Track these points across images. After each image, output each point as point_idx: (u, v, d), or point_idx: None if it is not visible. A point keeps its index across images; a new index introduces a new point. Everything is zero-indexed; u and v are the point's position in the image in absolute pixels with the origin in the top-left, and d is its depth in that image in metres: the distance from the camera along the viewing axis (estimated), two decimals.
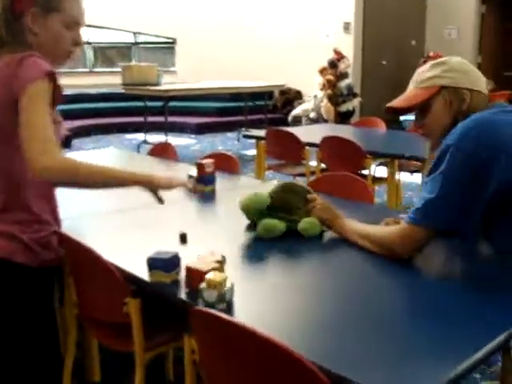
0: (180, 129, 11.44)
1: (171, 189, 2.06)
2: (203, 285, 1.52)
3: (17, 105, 1.82)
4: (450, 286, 1.77)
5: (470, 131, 1.85)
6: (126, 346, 1.97)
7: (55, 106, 1.99)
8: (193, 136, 11.36)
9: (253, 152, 8.91)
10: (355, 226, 2.14)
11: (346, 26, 11.94)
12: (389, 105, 2.11)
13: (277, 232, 2.21)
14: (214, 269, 1.64)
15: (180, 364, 2.74)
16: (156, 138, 9.48)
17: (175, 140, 9.14)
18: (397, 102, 2.08)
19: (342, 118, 10.89)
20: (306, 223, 2.22)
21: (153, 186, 2.02)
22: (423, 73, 2.04)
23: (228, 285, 1.53)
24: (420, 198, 1.92)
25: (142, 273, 1.82)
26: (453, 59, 2.03)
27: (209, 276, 1.53)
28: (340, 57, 11.23)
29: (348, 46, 11.80)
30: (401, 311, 1.63)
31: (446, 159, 1.83)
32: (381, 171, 5.31)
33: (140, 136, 9.39)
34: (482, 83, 2.01)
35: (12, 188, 1.94)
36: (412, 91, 2.05)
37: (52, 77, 1.89)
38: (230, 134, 11.52)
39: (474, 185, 1.81)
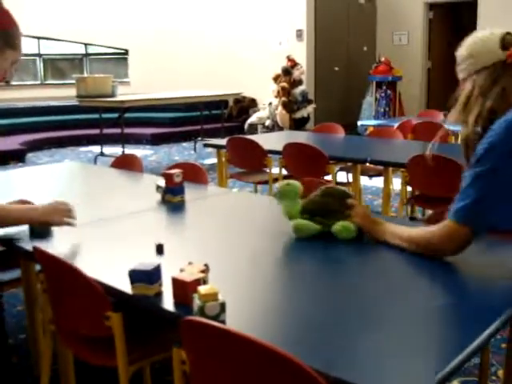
0: (135, 140, 11.36)
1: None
2: (200, 300, 1.50)
3: None
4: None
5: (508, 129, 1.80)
6: (107, 361, 1.94)
7: None
8: (148, 147, 11.29)
9: (210, 161, 8.93)
10: (395, 229, 2.13)
11: (299, 34, 12.04)
12: None
13: (309, 232, 2.24)
14: (200, 279, 1.63)
15: (158, 376, 2.74)
16: (112, 149, 9.40)
17: (132, 151, 9.06)
18: None
19: (297, 124, 10.96)
20: (339, 226, 2.22)
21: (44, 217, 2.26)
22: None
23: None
24: (462, 194, 1.86)
25: (123, 285, 1.80)
26: (463, 46, 2.02)
27: (204, 289, 1.51)
28: (294, 64, 11.32)
29: (301, 53, 11.90)
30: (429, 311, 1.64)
31: (488, 157, 1.80)
32: (341, 176, 5.36)
33: (95, 148, 9.30)
34: (488, 54, 1.95)
35: None
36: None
37: None
38: (185, 144, 11.50)
39: None
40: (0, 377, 2.11)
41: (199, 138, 10.69)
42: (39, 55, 13.72)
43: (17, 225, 2.30)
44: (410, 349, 1.39)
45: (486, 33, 2.00)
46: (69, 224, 2.31)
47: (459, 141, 2.09)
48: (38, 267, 2.61)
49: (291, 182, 2.35)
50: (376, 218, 2.23)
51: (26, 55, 13.84)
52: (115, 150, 9.22)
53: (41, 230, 2.34)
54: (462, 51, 2.03)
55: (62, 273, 1.95)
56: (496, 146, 1.79)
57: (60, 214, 2.30)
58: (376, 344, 1.40)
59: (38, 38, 13.59)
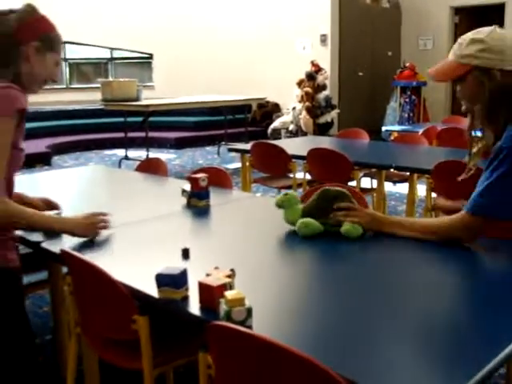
0: (159, 144, 11.42)
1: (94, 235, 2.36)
2: (226, 305, 1.51)
3: None
4: None
5: None
6: (132, 364, 1.95)
7: (21, 137, 2.14)
8: (172, 151, 11.34)
9: (233, 166, 8.94)
10: (406, 221, 2.32)
11: (323, 39, 12.03)
12: (430, 73, 2.21)
13: (313, 229, 2.33)
14: (226, 283, 1.64)
15: (181, 380, 2.75)
16: (137, 153, 9.45)
17: (155, 155, 9.11)
18: (437, 74, 2.19)
19: (321, 129, 10.95)
20: (349, 226, 2.29)
21: (77, 236, 2.33)
22: (462, 47, 2.10)
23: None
24: (482, 193, 2.05)
25: (149, 289, 1.81)
26: (493, 35, 2.06)
27: (231, 294, 1.52)
28: (318, 69, 11.31)
29: (325, 58, 11.89)
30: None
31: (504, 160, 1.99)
32: (365, 182, 5.35)
33: (120, 152, 9.36)
34: None
35: None
36: (451, 64, 2.15)
37: (22, 113, 2.07)
38: (209, 148, 11.54)
39: None
40: (27, 376, 2.13)
41: (223, 143, 10.71)
42: (65, 59, 13.86)
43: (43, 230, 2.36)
44: (437, 357, 1.38)
45: (510, 35, 2.07)
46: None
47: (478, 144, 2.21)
48: (64, 269, 2.64)
49: (288, 192, 2.48)
50: (379, 215, 2.36)
51: None
52: (139, 154, 9.27)
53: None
54: (485, 37, 2.05)
55: (89, 276, 1.96)
56: (504, 151, 1.98)
57: (93, 229, 2.37)
58: (400, 353, 1.40)
59: (64, 42, 13.70)
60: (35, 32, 2.21)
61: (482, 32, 2.08)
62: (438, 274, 1.96)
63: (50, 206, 2.65)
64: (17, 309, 2.15)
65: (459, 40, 2.14)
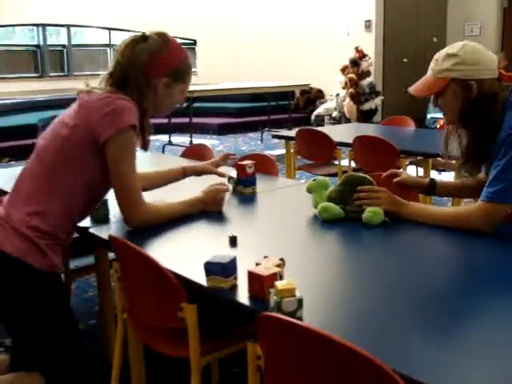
0: (202, 130, 11.44)
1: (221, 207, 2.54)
2: (277, 295, 1.49)
3: (94, 139, 2.11)
4: None
5: None
6: (179, 352, 1.95)
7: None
8: (215, 137, 11.36)
9: (276, 152, 8.91)
10: (424, 208, 2.36)
11: (367, 25, 11.90)
12: (411, 91, 2.37)
13: (333, 213, 2.37)
14: (276, 273, 1.62)
15: (226, 367, 2.75)
16: (180, 139, 9.49)
17: (198, 141, 9.13)
18: (416, 91, 2.34)
19: (365, 116, 10.84)
20: (370, 213, 2.30)
21: (206, 208, 2.49)
22: (439, 62, 2.26)
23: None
24: (495, 180, 2.13)
25: (197, 277, 1.80)
26: (466, 48, 2.21)
27: (282, 285, 1.50)
28: (362, 55, 11.19)
29: (369, 45, 11.76)
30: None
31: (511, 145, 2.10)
32: (410, 170, 5.27)
33: (163, 137, 9.39)
34: (492, 69, 2.22)
35: (60, 198, 2.14)
36: (429, 80, 2.30)
37: (135, 128, 2.16)
38: (252, 135, 11.52)
39: None
40: (77, 372, 2.15)
41: (266, 129, 10.68)
42: (110, 45, 13.95)
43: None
44: (496, 359, 1.34)
45: (481, 46, 2.26)
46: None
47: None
48: (111, 255, 2.65)
49: (318, 178, 2.54)
50: (401, 200, 2.37)
51: (97, 45, 14.10)
52: (183, 140, 9.30)
53: (101, 216, 2.42)
54: (458, 51, 2.21)
55: (137, 262, 1.96)
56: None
57: (218, 203, 2.53)
58: (458, 350, 1.37)
59: (109, 29, 13.82)
60: (167, 68, 2.26)
61: (455, 47, 2.24)
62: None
63: (225, 159, 3.00)
64: (62, 308, 2.17)
65: (435, 56, 2.31)
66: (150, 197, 2.36)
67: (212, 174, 2.86)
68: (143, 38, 2.25)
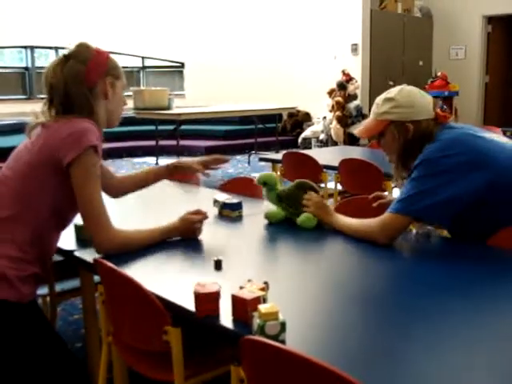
0: (189, 152, 11.45)
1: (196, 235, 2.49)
2: (260, 318, 1.49)
3: (57, 164, 2.09)
4: None
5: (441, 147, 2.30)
6: (163, 375, 1.95)
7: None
8: None
9: None
10: (343, 220, 2.50)
11: (354, 48, 11.99)
12: (356, 134, 2.60)
13: (277, 218, 2.72)
14: (260, 297, 1.63)
15: None
16: (167, 161, 9.47)
17: None
18: (360, 132, 2.56)
19: (351, 139, 10.89)
20: (304, 217, 2.59)
21: (181, 236, 2.46)
22: (379, 106, 2.47)
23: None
24: (400, 194, 2.35)
25: (182, 301, 1.81)
26: (402, 93, 2.43)
27: (265, 308, 1.50)
28: (349, 78, 11.28)
29: (356, 68, 11.85)
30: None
31: (422, 168, 2.28)
32: (395, 193, 5.28)
33: (151, 160, 9.41)
34: (427, 111, 2.41)
35: (28, 224, 2.11)
36: (371, 122, 2.52)
37: (96, 149, 2.16)
38: (239, 157, 11.53)
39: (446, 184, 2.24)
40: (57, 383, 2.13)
41: (253, 152, 10.71)
42: None
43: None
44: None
45: (417, 90, 2.48)
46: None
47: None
48: (96, 278, 2.65)
49: (268, 173, 2.85)
50: (329, 210, 2.59)
51: None
52: (170, 162, 9.30)
53: (87, 237, 2.37)
54: (395, 96, 2.42)
55: (122, 285, 1.96)
56: (424, 162, 2.28)
57: (193, 232, 2.48)
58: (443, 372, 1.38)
59: None
60: (102, 67, 2.24)
61: (393, 91, 2.45)
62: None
63: (217, 162, 3.11)
64: (42, 335, 2.11)
65: (376, 100, 2.50)
66: (132, 220, 2.37)
67: (197, 172, 2.98)
68: (66, 56, 2.21)
